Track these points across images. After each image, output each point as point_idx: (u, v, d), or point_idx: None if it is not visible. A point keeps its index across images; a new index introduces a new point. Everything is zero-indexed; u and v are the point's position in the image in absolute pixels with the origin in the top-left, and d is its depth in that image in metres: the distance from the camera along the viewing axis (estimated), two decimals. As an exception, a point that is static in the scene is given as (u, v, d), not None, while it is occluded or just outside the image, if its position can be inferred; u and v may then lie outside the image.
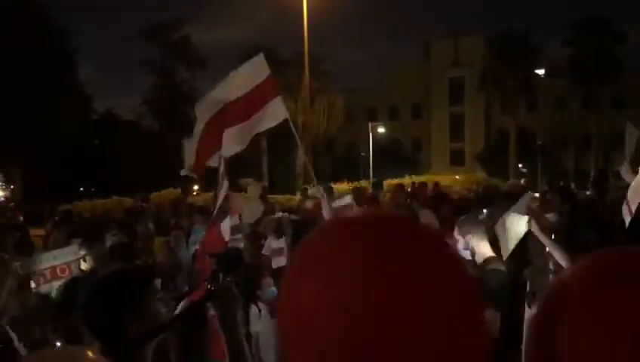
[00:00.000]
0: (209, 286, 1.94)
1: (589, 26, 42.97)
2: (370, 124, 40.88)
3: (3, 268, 3.52)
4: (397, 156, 45.95)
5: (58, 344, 4.03)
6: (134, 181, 35.74)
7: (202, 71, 42.86)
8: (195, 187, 40.38)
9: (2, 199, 30.24)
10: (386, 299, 0.85)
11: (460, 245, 3.72)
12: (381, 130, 44.44)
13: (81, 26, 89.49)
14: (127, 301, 1.87)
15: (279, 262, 5.47)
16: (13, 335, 3.61)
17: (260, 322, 4.30)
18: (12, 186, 37.14)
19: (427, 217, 6.04)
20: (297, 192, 21.23)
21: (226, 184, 4.99)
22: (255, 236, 5.84)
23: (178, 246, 6.66)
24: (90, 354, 1.31)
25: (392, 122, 53.19)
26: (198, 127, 5.67)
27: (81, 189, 47.04)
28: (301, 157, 31.87)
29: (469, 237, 3.74)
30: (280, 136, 34.80)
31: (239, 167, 36.45)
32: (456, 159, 53.43)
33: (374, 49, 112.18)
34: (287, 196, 21.07)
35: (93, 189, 46.01)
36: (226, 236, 4.54)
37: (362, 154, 42.83)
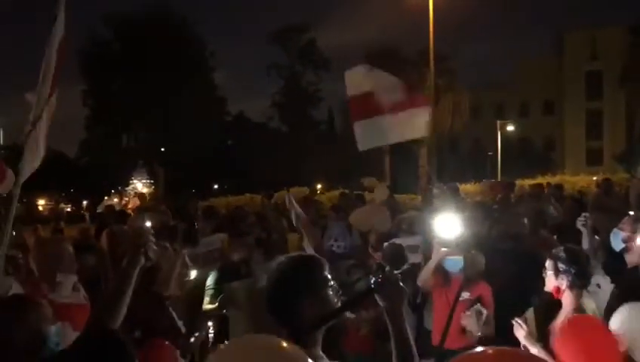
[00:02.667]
0: (376, 279, 2.01)
1: None
2: (498, 122, 39.32)
3: (174, 258, 3.98)
4: (527, 155, 43.70)
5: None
6: (264, 179, 37.50)
7: (327, 73, 43.87)
8: (319, 186, 41.47)
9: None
10: None
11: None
12: (510, 127, 42.53)
13: (213, 31, 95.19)
14: (305, 286, 2.03)
15: (415, 258, 5.53)
16: (174, 314, 4.07)
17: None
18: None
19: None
20: (420, 192, 21.00)
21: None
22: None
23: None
24: (284, 343, 1.48)
25: (522, 119, 50.62)
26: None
27: (215, 187, 50.22)
28: (424, 157, 31.47)
29: None
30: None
31: (361, 166, 36.83)
32: (594, 159, 49.65)
33: (501, 43, 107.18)
34: (410, 195, 20.92)
35: (226, 187, 48.95)
36: None
37: (489, 153, 41.31)
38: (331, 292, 2.07)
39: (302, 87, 43.17)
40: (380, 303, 2.03)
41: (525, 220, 5.49)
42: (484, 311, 4.20)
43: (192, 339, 4.05)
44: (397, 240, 5.31)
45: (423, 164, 31.68)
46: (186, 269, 4.69)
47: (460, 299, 4.16)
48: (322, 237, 7.08)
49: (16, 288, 3.51)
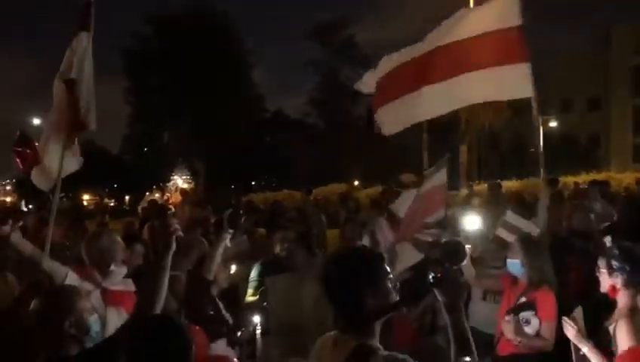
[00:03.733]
0: (435, 274, 2.02)
1: None
2: (540, 118, 38.38)
3: (217, 243, 4.04)
4: (570, 152, 42.60)
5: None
6: (302, 176, 37.65)
7: (366, 69, 43.64)
8: (355, 183, 41.37)
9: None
10: None
11: None
12: (552, 123, 41.47)
13: (251, 28, 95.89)
14: (365, 277, 2.05)
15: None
16: (220, 304, 4.12)
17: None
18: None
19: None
20: (461, 189, 20.72)
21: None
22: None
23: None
24: None
25: (565, 115, 49.23)
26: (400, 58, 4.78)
27: (253, 183, 50.74)
28: (464, 153, 30.99)
29: None
30: (442, 130, 34.23)
31: (399, 162, 36.55)
32: (640, 156, 48.10)
33: (543, 37, 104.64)
34: (451, 193, 20.63)
35: (263, 183, 49.41)
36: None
37: (531, 149, 40.41)
38: (390, 285, 2.09)
39: (340, 83, 43.05)
40: (439, 298, 2.05)
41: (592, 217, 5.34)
42: (531, 319, 3.97)
43: (239, 334, 4.09)
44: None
45: (462, 161, 31.20)
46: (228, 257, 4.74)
47: (518, 302, 4.09)
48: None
49: (71, 277, 3.63)
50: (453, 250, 2.18)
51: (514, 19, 4.22)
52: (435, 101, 4.71)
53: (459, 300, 2.05)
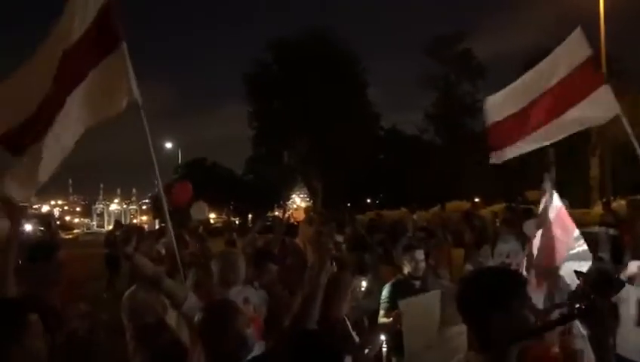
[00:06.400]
0: (581, 305, 1.92)
1: None
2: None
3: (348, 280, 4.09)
4: None
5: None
6: (418, 193, 37.08)
7: (484, 82, 42.34)
8: (476, 199, 39.92)
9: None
10: None
11: None
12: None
13: (365, 46, 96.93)
14: (495, 299, 2.00)
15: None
16: (348, 323, 4.15)
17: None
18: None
19: None
20: (593, 206, 19.33)
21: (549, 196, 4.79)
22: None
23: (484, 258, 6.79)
24: None
25: None
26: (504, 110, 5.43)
27: (368, 201, 50.80)
28: (596, 167, 28.91)
29: None
30: (570, 144, 32.16)
31: (524, 179, 34.75)
32: None
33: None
34: (582, 210, 19.32)
35: (377, 201, 49.29)
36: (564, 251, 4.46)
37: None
38: (525, 310, 2.01)
39: (457, 97, 42.10)
40: (584, 331, 1.93)
41: None
42: None
43: (367, 351, 4.10)
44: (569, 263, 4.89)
45: (594, 175, 29.10)
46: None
47: None
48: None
49: (190, 299, 3.53)
50: (601, 280, 2.05)
51: (585, 51, 4.79)
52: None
53: (606, 335, 1.92)
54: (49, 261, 3.61)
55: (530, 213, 9.42)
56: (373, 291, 5.34)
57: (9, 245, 3.24)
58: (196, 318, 2.68)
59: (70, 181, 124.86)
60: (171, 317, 4.08)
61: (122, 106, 4.09)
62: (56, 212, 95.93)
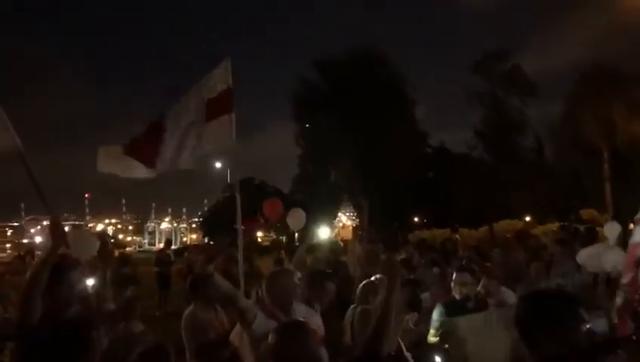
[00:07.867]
0: (634, 336, 1.97)
1: None
2: None
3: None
4: None
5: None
6: (467, 212, 36.43)
7: (533, 98, 41.48)
8: (527, 218, 38.87)
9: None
10: None
11: None
12: None
13: (412, 64, 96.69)
14: (543, 319, 2.04)
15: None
16: (402, 344, 4.16)
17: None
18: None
19: None
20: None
21: None
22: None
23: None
24: None
25: None
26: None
27: (416, 220, 50.23)
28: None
29: None
30: (627, 160, 31.01)
31: (576, 195, 33.71)
32: None
33: None
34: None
35: (425, 221, 48.66)
36: None
37: None
38: (577, 332, 2.01)
39: (506, 114, 41.36)
40: None
41: None
42: None
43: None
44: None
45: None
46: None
47: None
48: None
49: (260, 317, 3.68)
50: None
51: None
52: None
53: None
54: (60, 283, 3.54)
55: (588, 234, 9.17)
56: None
57: (44, 266, 3.23)
58: (270, 339, 2.67)
59: (123, 200, 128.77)
60: (234, 336, 4.14)
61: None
62: (110, 230, 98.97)
